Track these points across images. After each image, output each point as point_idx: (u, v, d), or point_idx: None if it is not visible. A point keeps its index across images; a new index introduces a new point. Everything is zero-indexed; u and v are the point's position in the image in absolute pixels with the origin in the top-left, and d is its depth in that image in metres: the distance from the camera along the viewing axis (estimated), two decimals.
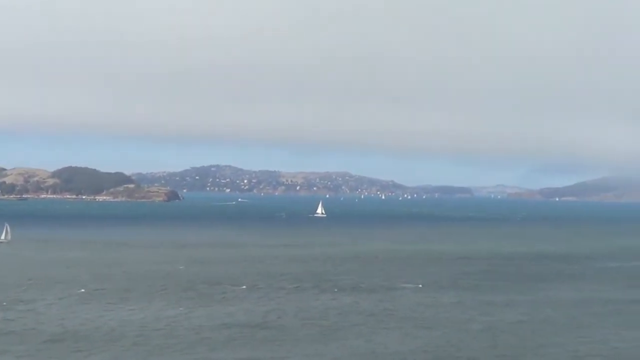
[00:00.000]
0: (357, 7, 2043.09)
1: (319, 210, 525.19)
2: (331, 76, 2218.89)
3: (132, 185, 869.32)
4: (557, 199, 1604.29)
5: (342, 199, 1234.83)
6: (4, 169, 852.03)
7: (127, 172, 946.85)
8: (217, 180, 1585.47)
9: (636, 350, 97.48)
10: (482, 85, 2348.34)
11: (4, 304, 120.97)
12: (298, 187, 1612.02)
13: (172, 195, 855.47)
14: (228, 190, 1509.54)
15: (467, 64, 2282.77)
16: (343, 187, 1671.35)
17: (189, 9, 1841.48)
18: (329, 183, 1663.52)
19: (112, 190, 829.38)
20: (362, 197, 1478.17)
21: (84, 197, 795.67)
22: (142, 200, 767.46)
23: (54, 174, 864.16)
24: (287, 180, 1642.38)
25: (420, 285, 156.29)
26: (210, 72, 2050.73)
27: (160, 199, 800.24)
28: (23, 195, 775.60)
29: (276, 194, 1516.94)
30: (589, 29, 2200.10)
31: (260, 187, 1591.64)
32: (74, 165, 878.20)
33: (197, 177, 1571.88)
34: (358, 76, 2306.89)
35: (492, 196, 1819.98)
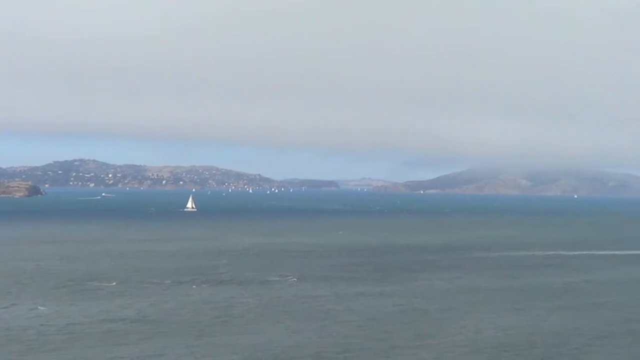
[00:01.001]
0: (234, 14, 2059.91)
1: (189, 204, 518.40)
2: (200, 75, 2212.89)
3: None
4: (421, 192, 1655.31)
5: (209, 192, 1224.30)
6: None
7: None
8: (81, 174, 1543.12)
9: (507, 337, 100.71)
10: (349, 81, 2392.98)
11: None
12: (164, 182, 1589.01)
13: (34, 190, 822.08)
14: (92, 184, 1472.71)
15: (334, 59, 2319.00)
16: (210, 181, 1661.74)
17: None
18: (196, 177, 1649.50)
19: None
20: (230, 190, 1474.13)
21: None
22: (2, 195, 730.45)
23: None
24: (153, 175, 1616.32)
25: (295, 279, 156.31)
26: (83, 67, 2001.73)
27: (21, 194, 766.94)
28: None
29: (142, 188, 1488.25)
30: (453, 25, 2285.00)
31: (126, 181, 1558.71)
32: None
33: (60, 172, 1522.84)
34: (223, 74, 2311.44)
35: (359, 189, 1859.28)
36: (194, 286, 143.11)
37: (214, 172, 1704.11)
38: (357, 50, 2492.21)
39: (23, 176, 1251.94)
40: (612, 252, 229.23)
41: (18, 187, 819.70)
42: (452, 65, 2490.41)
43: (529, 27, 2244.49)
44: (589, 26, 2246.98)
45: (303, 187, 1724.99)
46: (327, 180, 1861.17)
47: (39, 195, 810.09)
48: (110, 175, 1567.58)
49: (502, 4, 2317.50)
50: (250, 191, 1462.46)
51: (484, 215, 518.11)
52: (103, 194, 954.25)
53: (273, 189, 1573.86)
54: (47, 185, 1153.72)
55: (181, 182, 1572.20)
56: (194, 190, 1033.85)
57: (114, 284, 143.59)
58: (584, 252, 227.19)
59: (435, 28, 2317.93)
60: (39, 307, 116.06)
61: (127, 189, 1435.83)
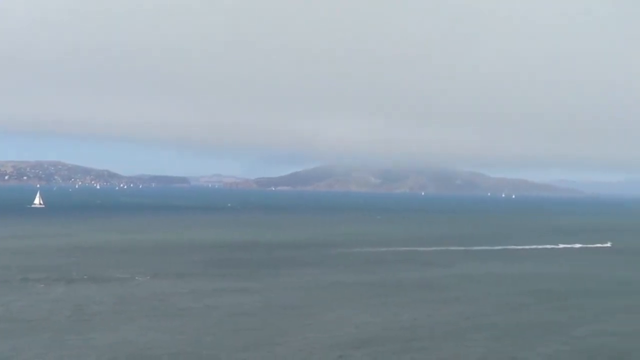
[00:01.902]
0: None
1: (37, 200, 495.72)
2: (46, 67, 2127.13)
3: None
4: (272, 188, 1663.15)
5: (55, 188, 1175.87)
6: None
7: None
8: None
9: (366, 332, 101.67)
10: (203, 76, 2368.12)
11: None
12: (7, 177, 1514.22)
13: None
14: None
15: (188, 54, 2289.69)
16: (56, 177, 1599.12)
17: None
18: (41, 172, 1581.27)
19: None
20: (77, 186, 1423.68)
21: None
22: None
23: None
24: None
25: (149, 276, 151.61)
26: None
27: None
28: None
29: None
30: (315, 24, 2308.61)
31: None
32: None
33: None
34: (71, 66, 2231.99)
35: (210, 185, 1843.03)
36: (46, 284, 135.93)
37: (60, 167, 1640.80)
38: (214, 45, 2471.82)
39: None
40: (464, 248, 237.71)
41: None
42: (309, 64, 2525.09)
43: (380, 26, 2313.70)
44: (438, 23, 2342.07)
45: (153, 183, 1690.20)
46: (177, 176, 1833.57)
47: None
48: None
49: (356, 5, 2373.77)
50: (98, 187, 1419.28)
51: (338, 213, 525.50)
52: None
53: (122, 185, 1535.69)
54: None
55: (25, 178, 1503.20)
56: (38, 186, 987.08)
57: None
58: (438, 248, 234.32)
59: (295, 25, 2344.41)
60: None
61: None
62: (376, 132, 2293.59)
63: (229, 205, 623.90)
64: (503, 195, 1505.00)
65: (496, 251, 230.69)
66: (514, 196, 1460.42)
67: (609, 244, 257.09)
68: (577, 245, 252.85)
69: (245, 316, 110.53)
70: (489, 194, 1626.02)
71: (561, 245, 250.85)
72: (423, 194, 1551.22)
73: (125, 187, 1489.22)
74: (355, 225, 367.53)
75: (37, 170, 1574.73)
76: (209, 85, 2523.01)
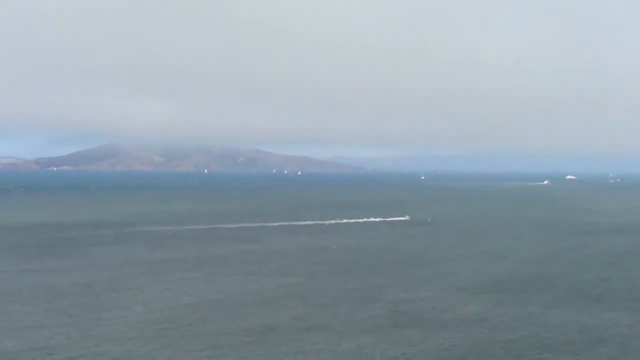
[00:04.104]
0: None
1: None
2: None
3: None
4: (54, 169, 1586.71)
5: None
6: None
7: None
8: None
9: (180, 304, 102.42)
10: None
11: None
12: None
13: None
14: None
15: None
16: None
17: None
18: None
19: None
20: None
21: None
22: None
23: None
24: None
25: None
26: None
27: None
28: None
29: None
30: None
31: None
32: None
33: None
34: None
35: None
36: None
37: None
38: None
39: None
40: (263, 224, 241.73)
41: None
42: (99, 42, 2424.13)
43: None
44: None
45: None
46: None
47: None
48: None
49: None
50: None
51: (126, 192, 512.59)
52: None
53: None
54: None
55: None
56: None
57: None
58: (237, 225, 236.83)
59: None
60: None
61: None
62: (159, 111, 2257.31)
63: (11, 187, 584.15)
64: (285, 172, 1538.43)
65: (297, 226, 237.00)
66: (299, 173, 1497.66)
67: (406, 217, 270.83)
68: (378, 219, 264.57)
69: (52, 295, 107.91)
70: (274, 170, 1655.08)
71: (363, 219, 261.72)
72: (206, 171, 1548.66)
73: None
74: (147, 204, 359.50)
75: None
76: None
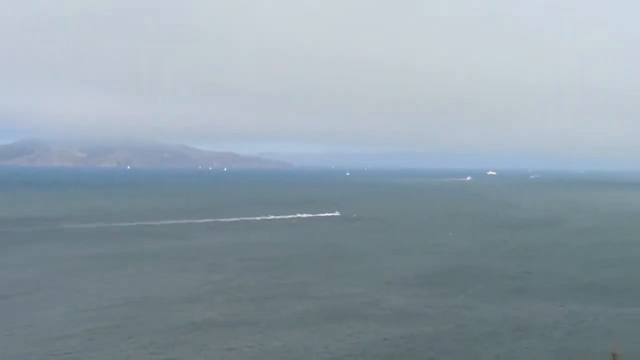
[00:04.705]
0: None
1: None
2: None
3: None
4: None
5: None
6: None
7: None
8: None
9: (114, 300, 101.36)
10: None
11: None
12: None
13: None
14: None
15: None
16: None
17: None
18: None
19: None
20: None
21: None
22: None
23: None
24: None
25: None
26: None
27: None
28: None
29: None
30: None
31: None
32: None
33: None
34: None
35: None
36: None
37: None
38: None
39: None
40: (191, 221, 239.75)
41: None
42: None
43: None
44: None
45: None
46: None
47: None
48: None
49: None
50: None
51: (49, 189, 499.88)
52: None
53: None
54: None
55: None
56: None
57: None
58: (168, 222, 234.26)
59: None
60: None
61: None
62: (84, 107, 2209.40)
63: None
64: (210, 169, 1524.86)
65: (224, 223, 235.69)
66: (225, 169, 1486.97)
67: (337, 213, 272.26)
68: (306, 215, 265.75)
69: None
70: (199, 167, 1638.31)
71: (291, 216, 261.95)
72: (129, 167, 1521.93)
73: None
74: (67, 201, 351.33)
75: None
76: None
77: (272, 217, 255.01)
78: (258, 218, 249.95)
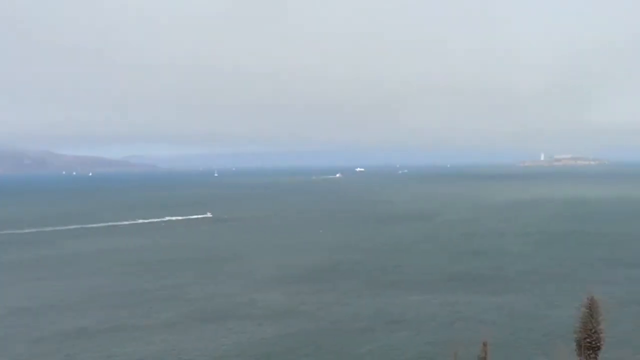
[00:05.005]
0: None
1: None
2: None
3: None
4: None
5: None
6: None
7: None
8: None
9: None
10: None
11: None
12: None
13: None
14: None
15: None
16: None
17: None
18: None
19: None
20: None
21: None
22: None
23: None
24: None
25: None
26: None
27: None
28: None
29: None
30: None
31: None
32: None
33: None
34: None
35: None
36: None
37: None
38: None
39: None
40: (57, 228, 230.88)
41: None
42: None
43: None
44: None
45: None
46: None
47: None
48: None
49: None
50: None
51: None
52: None
53: None
54: None
55: None
56: None
57: None
58: (32, 230, 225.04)
59: None
60: None
61: None
62: None
63: None
64: (74, 174, 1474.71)
65: (91, 229, 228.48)
66: (90, 174, 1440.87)
67: (209, 215, 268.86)
68: (178, 218, 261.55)
69: None
70: (63, 172, 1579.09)
71: (160, 219, 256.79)
72: None
73: None
74: None
75: None
76: None
77: (140, 221, 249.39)
78: (126, 223, 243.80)
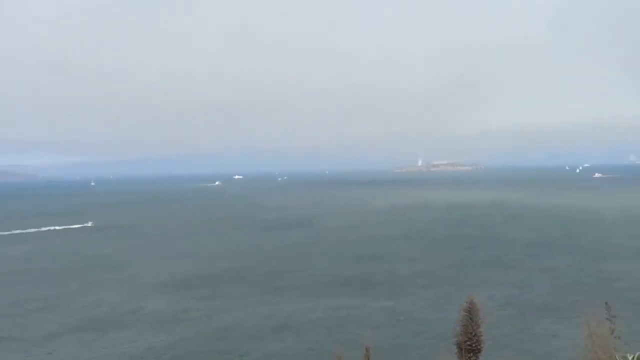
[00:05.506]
0: None
1: None
2: None
3: None
4: None
5: None
6: None
7: None
8: None
9: None
10: None
11: None
12: None
13: None
14: None
15: None
16: None
17: None
18: None
19: None
20: None
21: None
22: None
23: None
24: None
25: None
26: None
27: None
28: None
29: None
30: None
31: None
32: None
33: None
34: None
35: None
36: None
37: None
38: None
39: None
40: None
41: None
42: None
43: None
44: None
45: None
46: None
47: None
48: None
49: None
50: None
51: None
52: None
53: None
54: None
55: None
56: None
57: None
58: None
59: None
60: None
61: None
62: None
63: None
64: None
65: None
66: None
67: (90, 224, 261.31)
68: (59, 227, 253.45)
69: None
70: None
71: (40, 229, 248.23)
72: None
73: None
74: None
75: None
76: None
77: (18, 231, 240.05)
78: (3, 233, 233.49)
